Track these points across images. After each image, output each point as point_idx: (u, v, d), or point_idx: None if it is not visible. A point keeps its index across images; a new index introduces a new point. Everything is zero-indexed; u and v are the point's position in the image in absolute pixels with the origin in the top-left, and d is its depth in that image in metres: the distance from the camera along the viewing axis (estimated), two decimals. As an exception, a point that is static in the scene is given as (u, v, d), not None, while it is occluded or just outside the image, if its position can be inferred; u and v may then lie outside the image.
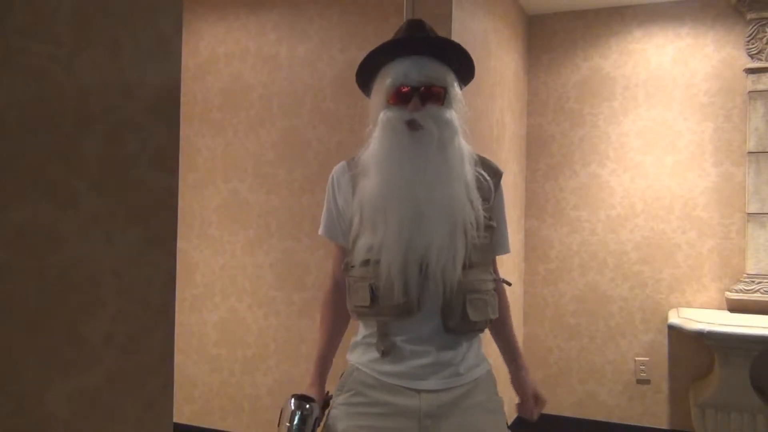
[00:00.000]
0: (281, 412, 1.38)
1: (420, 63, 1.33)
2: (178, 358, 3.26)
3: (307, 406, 1.36)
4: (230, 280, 3.30)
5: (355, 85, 1.48)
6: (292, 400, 1.36)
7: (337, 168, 1.50)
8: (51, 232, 0.87)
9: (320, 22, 3.13)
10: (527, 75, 3.92)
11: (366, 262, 1.36)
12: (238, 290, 3.28)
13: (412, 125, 1.32)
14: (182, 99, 1.16)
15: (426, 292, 1.33)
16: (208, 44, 3.40)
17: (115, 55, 0.97)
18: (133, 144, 1.01)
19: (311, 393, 1.45)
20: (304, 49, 3.16)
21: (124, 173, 0.99)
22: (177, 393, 3.26)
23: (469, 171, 1.36)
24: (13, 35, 0.82)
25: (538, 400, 1.52)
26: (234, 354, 3.28)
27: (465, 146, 1.39)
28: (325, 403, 1.48)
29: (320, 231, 1.52)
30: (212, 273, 3.34)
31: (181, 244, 3.34)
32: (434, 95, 1.34)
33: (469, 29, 2.83)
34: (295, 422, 1.34)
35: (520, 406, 1.54)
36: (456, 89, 1.39)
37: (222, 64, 3.36)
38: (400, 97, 1.34)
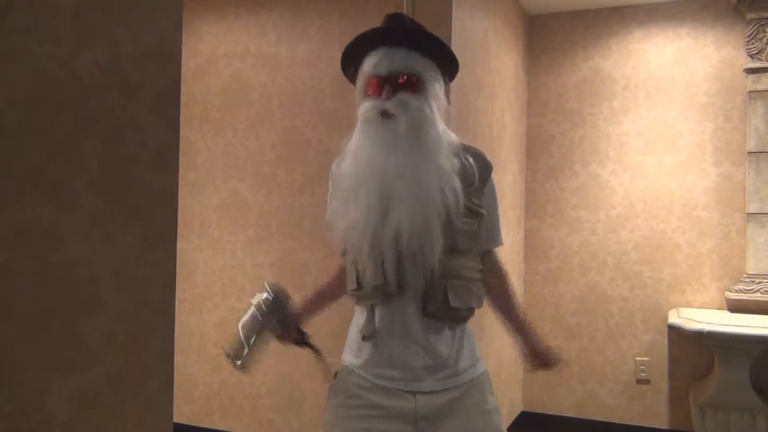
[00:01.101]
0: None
1: (390, 53, 1.36)
2: (178, 358, 3.26)
3: (272, 293, 1.40)
4: (230, 280, 3.30)
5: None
6: (265, 284, 1.39)
7: (336, 161, 1.53)
8: (51, 232, 0.87)
9: (320, 22, 3.13)
10: (527, 75, 3.92)
11: (346, 250, 1.41)
12: (238, 290, 3.28)
13: (385, 115, 1.35)
14: (182, 99, 1.16)
15: (406, 274, 1.34)
16: (208, 44, 3.40)
17: (115, 55, 0.97)
18: (133, 144, 1.01)
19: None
20: (304, 49, 3.16)
21: (124, 173, 0.99)
22: (177, 393, 3.26)
23: (446, 158, 1.37)
24: (13, 35, 0.82)
25: (547, 355, 1.54)
26: (234, 354, 3.27)
27: (443, 133, 1.39)
28: (300, 336, 1.49)
29: (327, 216, 1.55)
30: (212, 273, 3.34)
31: (181, 244, 3.33)
32: (406, 84, 1.36)
33: (469, 29, 2.83)
34: (263, 303, 1.39)
35: (536, 360, 1.55)
36: (431, 77, 1.39)
37: (222, 64, 3.36)
38: (373, 88, 1.37)
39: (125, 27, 0.99)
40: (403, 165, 1.32)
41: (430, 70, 1.39)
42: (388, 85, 1.35)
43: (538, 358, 1.54)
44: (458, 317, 1.40)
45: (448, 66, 1.45)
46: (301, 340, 1.49)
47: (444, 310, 1.36)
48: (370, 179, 1.33)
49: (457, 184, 1.35)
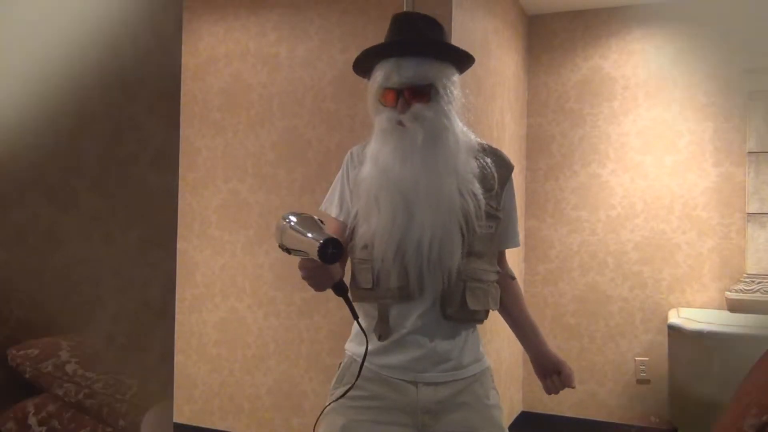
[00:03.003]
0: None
1: (400, 64, 1.35)
2: (178, 358, 3.26)
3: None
4: (230, 280, 3.30)
5: (355, 85, 1.50)
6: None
7: (356, 147, 1.53)
8: (51, 232, 0.87)
9: (320, 22, 3.12)
10: (527, 75, 3.92)
11: (366, 246, 1.38)
12: (238, 290, 3.28)
13: (401, 124, 1.35)
14: (182, 99, 1.16)
15: (426, 278, 1.34)
16: (208, 44, 3.40)
17: (115, 55, 0.97)
18: (133, 144, 1.01)
19: None
20: (304, 49, 3.16)
21: (124, 173, 0.99)
22: (177, 393, 3.26)
23: (464, 162, 1.38)
24: (13, 35, 0.82)
25: (562, 372, 1.49)
26: (234, 354, 3.28)
27: (462, 138, 1.40)
28: (342, 281, 1.28)
29: (322, 207, 1.52)
30: (212, 273, 3.34)
31: (181, 244, 3.33)
32: (419, 94, 1.35)
33: (469, 29, 2.83)
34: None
35: (548, 383, 1.51)
36: (445, 82, 1.38)
37: (222, 64, 3.36)
38: (388, 99, 1.37)
39: (125, 27, 0.98)
40: (419, 172, 1.33)
41: (444, 72, 1.38)
42: (402, 97, 1.35)
43: (548, 371, 1.51)
44: (476, 319, 1.41)
45: (462, 60, 1.45)
46: (343, 285, 1.25)
47: (462, 313, 1.36)
48: (389, 186, 1.34)
49: (477, 188, 1.37)
